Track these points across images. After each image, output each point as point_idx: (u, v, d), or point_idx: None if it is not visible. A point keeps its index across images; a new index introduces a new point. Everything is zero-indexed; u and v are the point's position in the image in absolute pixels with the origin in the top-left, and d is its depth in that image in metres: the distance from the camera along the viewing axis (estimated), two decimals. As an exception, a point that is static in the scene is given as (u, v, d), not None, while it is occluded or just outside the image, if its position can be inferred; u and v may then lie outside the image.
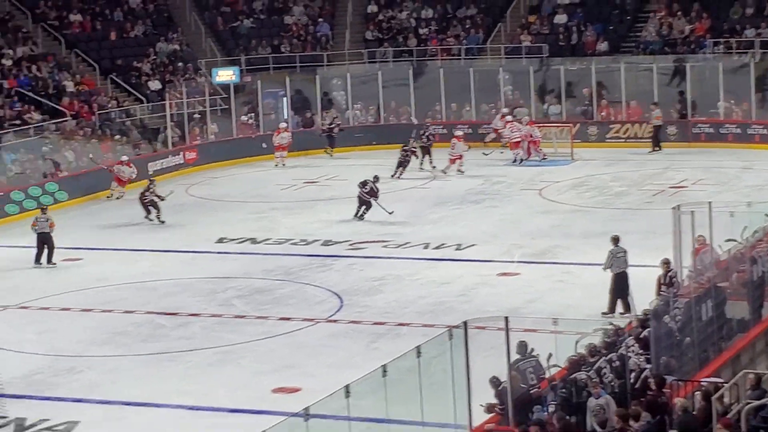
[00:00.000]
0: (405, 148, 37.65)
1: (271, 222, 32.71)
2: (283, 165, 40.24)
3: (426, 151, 38.88)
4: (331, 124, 42.52)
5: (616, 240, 23.48)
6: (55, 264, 28.88)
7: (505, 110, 41.29)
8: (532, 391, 17.56)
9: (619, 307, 22.79)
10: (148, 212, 32.85)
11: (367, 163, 39.78)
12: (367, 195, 32.00)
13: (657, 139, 39.45)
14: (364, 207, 32.15)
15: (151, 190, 33.14)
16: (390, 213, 31.68)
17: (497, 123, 40.92)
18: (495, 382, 17.59)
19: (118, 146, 39.86)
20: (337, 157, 41.64)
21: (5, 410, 18.19)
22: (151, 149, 40.60)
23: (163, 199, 32.83)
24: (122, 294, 26.56)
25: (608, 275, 23.42)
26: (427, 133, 39.33)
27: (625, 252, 23.25)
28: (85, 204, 36.09)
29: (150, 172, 38.91)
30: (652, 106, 40.23)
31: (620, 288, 22.90)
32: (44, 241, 29.02)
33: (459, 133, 38.57)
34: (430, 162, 38.62)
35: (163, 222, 32.61)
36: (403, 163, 37.45)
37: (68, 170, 37.65)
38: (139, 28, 46.09)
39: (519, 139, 39.20)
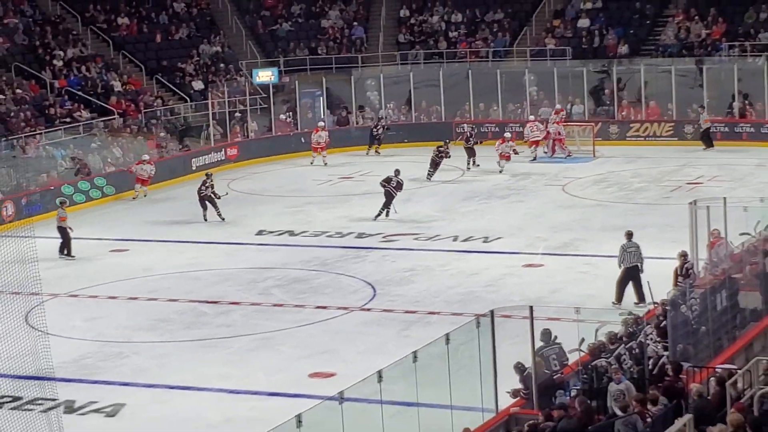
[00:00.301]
0: (440, 148, 37.07)
1: (308, 215, 32.78)
2: (325, 164, 39.92)
3: (471, 152, 38.25)
4: (376, 125, 42.25)
5: (629, 235, 23.37)
6: (73, 257, 29.15)
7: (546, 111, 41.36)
8: (555, 377, 17.60)
9: (634, 297, 22.75)
10: (205, 208, 32.22)
11: (399, 159, 39.79)
12: (395, 190, 31.58)
13: (709, 139, 39.01)
14: (389, 203, 31.59)
15: (207, 185, 32.51)
16: (395, 212, 31.53)
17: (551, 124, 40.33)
18: (520, 368, 17.60)
19: (164, 143, 40.09)
20: (372, 154, 41.65)
21: (55, 393, 18.26)
22: (196, 146, 40.73)
23: (219, 197, 32.27)
24: (167, 283, 26.69)
25: (611, 272, 23.46)
26: (472, 136, 38.71)
27: (637, 247, 23.14)
28: (130, 198, 36.21)
29: (193, 168, 39.16)
30: (699, 109, 39.87)
31: (628, 280, 22.92)
32: (60, 234, 29.35)
33: (507, 134, 38.20)
34: (474, 162, 38.22)
35: (223, 219, 32.08)
36: (436, 163, 36.81)
37: (116, 166, 37.76)
38: (183, 31, 46.20)
39: (538, 138, 39.11)
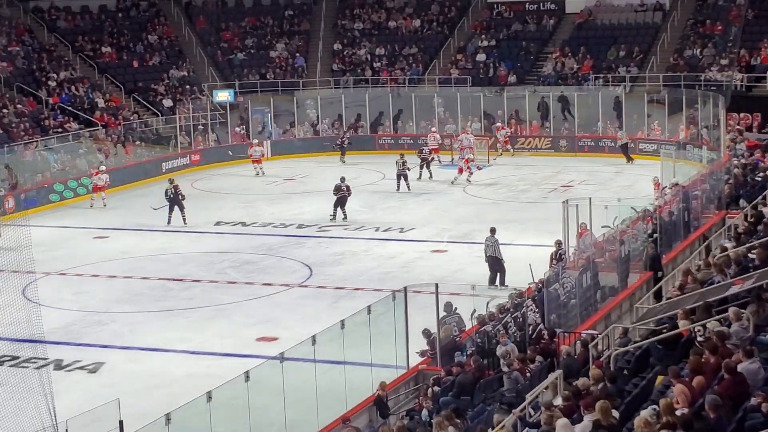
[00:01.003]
0: (401, 161, 34.83)
1: (257, 209, 32.63)
2: (263, 174, 38.27)
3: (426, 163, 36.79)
4: (343, 137, 41.42)
5: (492, 231, 23.26)
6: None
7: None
8: (455, 340, 17.70)
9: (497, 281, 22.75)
10: (171, 210, 30.23)
11: (332, 165, 39.78)
12: (347, 192, 30.22)
13: (628, 154, 38.53)
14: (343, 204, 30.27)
15: (171, 189, 30.36)
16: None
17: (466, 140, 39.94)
18: (427, 333, 17.68)
19: (138, 150, 39.70)
20: (309, 160, 41.50)
21: (46, 353, 18.04)
22: (166, 152, 40.37)
23: (184, 197, 30.41)
24: (140, 264, 26.45)
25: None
26: (424, 149, 37.37)
27: (495, 241, 22.96)
28: (112, 194, 35.78)
29: (163, 170, 38.78)
30: (617, 129, 39.49)
31: (493, 267, 22.68)
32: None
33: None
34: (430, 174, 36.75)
35: (186, 224, 30.10)
36: (403, 175, 34.55)
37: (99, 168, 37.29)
38: (156, 58, 45.72)
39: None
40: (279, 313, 21.95)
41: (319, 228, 29.77)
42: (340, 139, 41.43)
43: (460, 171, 35.77)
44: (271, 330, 20.78)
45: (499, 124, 40.86)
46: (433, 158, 37.09)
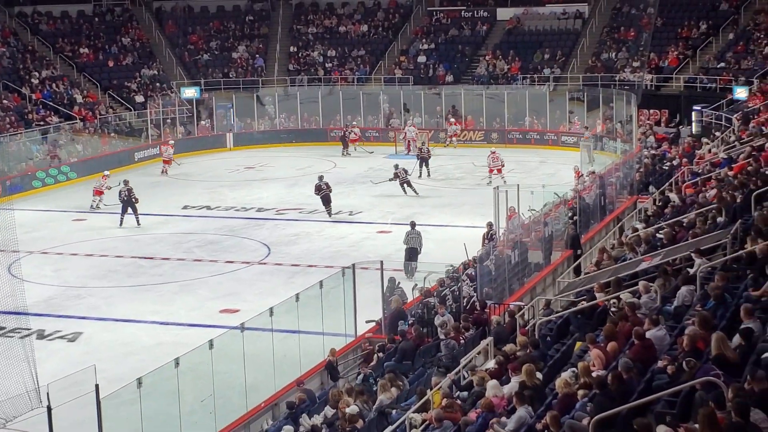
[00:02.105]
0: (420, 154, 34.16)
1: (221, 195, 32.37)
2: (166, 174, 35.37)
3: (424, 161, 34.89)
4: (346, 129, 40.23)
5: (413, 225, 22.84)
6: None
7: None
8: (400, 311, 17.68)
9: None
10: (125, 212, 27.66)
11: (288, 155, 39.63)
12: (328, 190, 28.50)
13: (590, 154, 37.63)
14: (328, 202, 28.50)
15: (125, 191, 27.72)
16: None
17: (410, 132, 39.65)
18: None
19: (112, 141, 39.19)
20: (268, 150, 41.20)
21: (29, 324, 17.81)
22: (138, 143, 39.86)
23: (137, 201, 27.83)
24: (114, 244, 26.14)
25: (448, 234, 23.61)
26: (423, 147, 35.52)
27: (418, 234, 22.49)
28: (89, 181, 35.24)
29: (135, 159, 38.31)
30: (585, 129, 36.91)
31: (409, 256, 21.89)
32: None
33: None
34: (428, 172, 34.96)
35: (139, 224, 27.71)
36: (424, 160, 33.73)
37: (77, 157, 36.86)
38: (129, 59, 45.06)
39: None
40: (240, 288, 21.84)
41: (277, 211, 29.62)
42: (343, 131, 40.06)
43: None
44: (233, 303, 20.67)
45: (453, 119, 40.50)
46: (431, 156, 34.26)
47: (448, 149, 39.54)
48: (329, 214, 28.26)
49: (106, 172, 31.77)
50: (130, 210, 27.75)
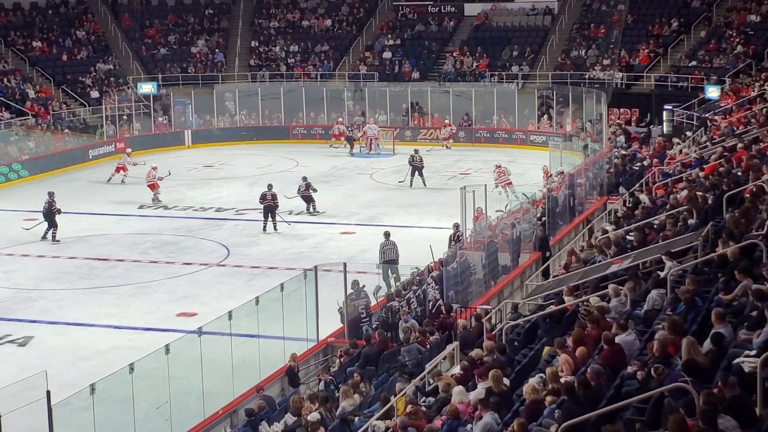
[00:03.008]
0: (413, 163, 32.67)
1: (179, 194, 32.14)
2: (123, 183, 33.66)
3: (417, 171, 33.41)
4: (351, 128, 39.58)
5: (387, 235, 21.69)
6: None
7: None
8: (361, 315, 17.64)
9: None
10: (54, 226, 25.94)
11: (249, 153, 39.48)
12: (273, 201, 26.75)
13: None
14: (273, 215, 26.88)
15: (54, 205, 25.99)
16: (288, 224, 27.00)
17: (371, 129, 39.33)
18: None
19: (66, 137, 38.79)
20: (228, 148, 40.98)
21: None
22: (92, 140, 39.49)
23: (60, 212, 26.11)
24: (68, 245, 25.84)
25: (414, 235, 23.57)
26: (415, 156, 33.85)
27: (393, 245, 21.45)
28: (42, 179, 34.85)
29: (90, 157, 37.98)
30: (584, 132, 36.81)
31: (387, 272, 20.59)
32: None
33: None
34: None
35: (57, 242, 25.80)
36: (417, 168, 32.22)
37: (29, 154, 36.44)
38: (84, 52, 44.65)
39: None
40: (198, 290, 21.72)
41: (236, 211, 29.49)
42: (349, 131, 39.23)
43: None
44: (190, 306, 20.56)
45: (447, 121, 39.69)
46: (423, 166, 32.20)
47: (440, 150, 39.36)
48: (313, 209, 28.27)
49: (129, 150, 33.67)
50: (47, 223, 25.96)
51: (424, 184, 31.77)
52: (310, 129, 42.26)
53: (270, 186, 27.33)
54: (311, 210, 28.76)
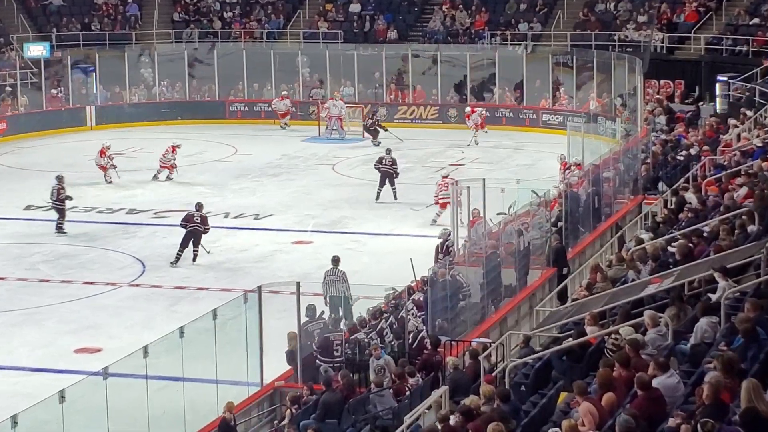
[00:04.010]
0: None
1: (78, 191, 31.76)
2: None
3: (375, 133, 36.05)
4: (372, 118, 38.43)
5: (335, 261, 20.93)
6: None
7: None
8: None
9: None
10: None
11: (172, 136, 39.20)
12: (202, 225, 25.38)
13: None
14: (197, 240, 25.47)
15: None
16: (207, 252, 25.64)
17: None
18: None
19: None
20: (144, 130, 40.85)
21: None
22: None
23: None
24: (-69, 258, 25.68)
25: (389, 246, 23.54)
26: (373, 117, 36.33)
27: (341, 276, 20.52)
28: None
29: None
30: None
31: (333, 311, 19.87)
32: None
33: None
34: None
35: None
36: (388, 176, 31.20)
37: None
38: (-48, 3, 44.51)
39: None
40: (103, 319, 21.57)
41: (155, 213, 29.37)
42: (368, 120, 38.51)
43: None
44: (92, 339, 20.40)
45: (469, 108, 38.05)
46: (397, 172, 30.76)
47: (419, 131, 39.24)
48: (176, 260, 25.33)
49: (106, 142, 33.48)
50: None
51: (395, 197, 30.01)
52: (253, 105, 42.22)
53: (199, 206, 25.84)
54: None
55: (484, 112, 37.71)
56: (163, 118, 42.01)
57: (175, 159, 33.18)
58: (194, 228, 25.23)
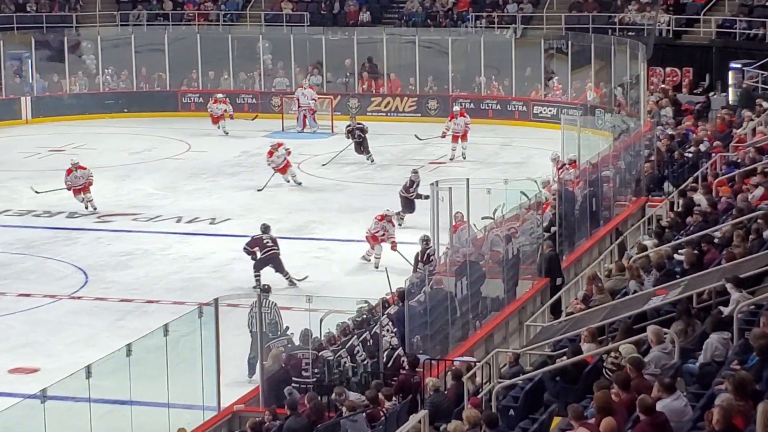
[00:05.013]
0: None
1: (12, 192, 31.90)
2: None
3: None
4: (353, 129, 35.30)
5: (265, 290, 20.56)
6: None
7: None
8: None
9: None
10: None
11: (117, 131, 39.27)
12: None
13: None
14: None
15: None
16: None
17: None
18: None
19: None
20: (86, 124, 40.75)
21: None
22: None
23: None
24: None
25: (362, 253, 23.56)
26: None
27: (271, 308, 19.13)
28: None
29: None
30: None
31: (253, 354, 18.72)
32: None
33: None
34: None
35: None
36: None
37: None
38: None
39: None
40: (40, 335, 21.58)
41: (99, 218, 29.37)
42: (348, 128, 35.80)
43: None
44: (28, 358, 20.41)
45: (457, 108, 36.52)
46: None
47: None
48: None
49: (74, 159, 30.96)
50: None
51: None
52: (208, 96, 42.06)
53: (266, 227, 24.56)
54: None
55: (468, 120, 35.31)
56: (108, 110, 41.97)
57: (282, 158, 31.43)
58: (271, 253, 24.11)
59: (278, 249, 24.21)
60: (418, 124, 39.76)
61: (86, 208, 29.77)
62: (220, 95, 39.72)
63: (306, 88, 39.60)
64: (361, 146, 34.30)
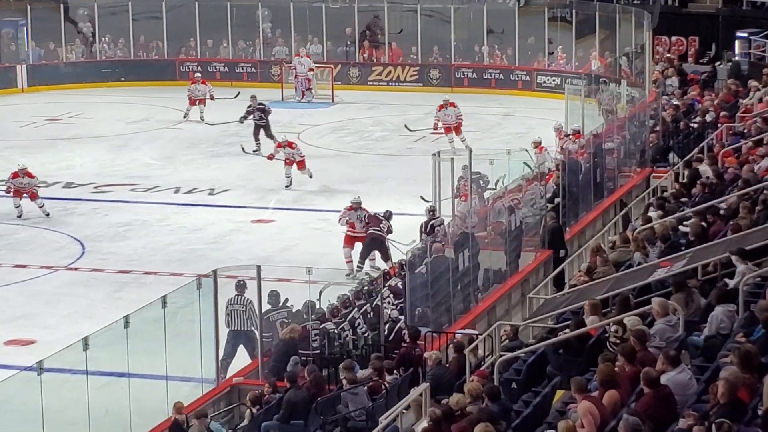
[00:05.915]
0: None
1: (7, 162, 31.74)
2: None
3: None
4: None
5: (239, 287, 18.75)
6: None
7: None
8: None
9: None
10: None
11: (115, 100, 39.19)
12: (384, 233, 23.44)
13: None
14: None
15: None
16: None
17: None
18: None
19: None
20: (82, 93, 40.70)
21: None
22: None
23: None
24: None
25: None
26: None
27: (246, 305, 18.58)
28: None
29: None
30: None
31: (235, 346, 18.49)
32: None
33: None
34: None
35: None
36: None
37: None
38: None
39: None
40: (37, 307, 21.63)
41: (95, 188, 29.38)
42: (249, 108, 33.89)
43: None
44: (25, 330, 20.46)
45: (446, 100, 33.61)
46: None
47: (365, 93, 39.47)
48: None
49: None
50: None
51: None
52: (207, 65, 42.05)
53: (388, 214, 23.41)
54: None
55: (459, 112, 32.80)
56: (105, 78, 41.85)
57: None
58: (377, 235, 23.07)
59: (385, 235, 23.03)
60: (420, 93, 39.75)
61: (18, 216, 26.83)
62: (198, 75, 38.33)
63: (303, 57, 39.52)
64: (263, 129, 32.40)
